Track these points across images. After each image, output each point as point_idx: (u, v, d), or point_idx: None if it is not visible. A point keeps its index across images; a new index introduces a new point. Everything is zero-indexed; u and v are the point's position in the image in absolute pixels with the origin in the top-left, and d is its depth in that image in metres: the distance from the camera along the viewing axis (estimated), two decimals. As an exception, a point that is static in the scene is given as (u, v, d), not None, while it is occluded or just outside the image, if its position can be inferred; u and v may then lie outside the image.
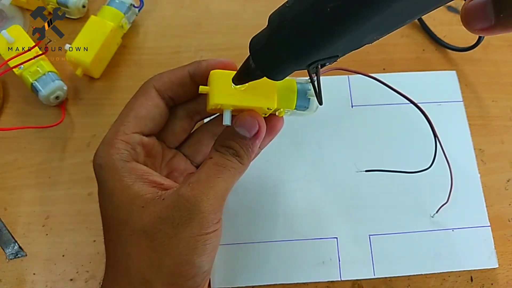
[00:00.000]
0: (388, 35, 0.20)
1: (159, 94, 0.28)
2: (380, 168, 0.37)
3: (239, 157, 0.26)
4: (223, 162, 0.26)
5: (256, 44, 0.22)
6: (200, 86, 0.26)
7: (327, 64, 0.21)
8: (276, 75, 0.22)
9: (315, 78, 0.22)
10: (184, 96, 0.29)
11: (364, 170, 0.36)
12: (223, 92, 0.25)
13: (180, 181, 0.30)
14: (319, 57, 0.20)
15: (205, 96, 0.27)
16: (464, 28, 0.21)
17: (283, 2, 0.20)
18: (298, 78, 0.28)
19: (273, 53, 0.21)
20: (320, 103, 0.23)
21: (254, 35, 0.22)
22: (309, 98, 0.27)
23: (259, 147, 0.29)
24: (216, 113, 0.31)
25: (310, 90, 0.28)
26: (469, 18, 0.21)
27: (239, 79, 0.24)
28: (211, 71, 0.26)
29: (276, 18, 0.20)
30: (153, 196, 0.25)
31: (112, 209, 0.26)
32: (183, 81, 0.28)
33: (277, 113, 0.28)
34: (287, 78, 0.27)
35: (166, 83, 0.28)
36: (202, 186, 0.25)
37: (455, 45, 0.44)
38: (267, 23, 0.21)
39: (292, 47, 0.20)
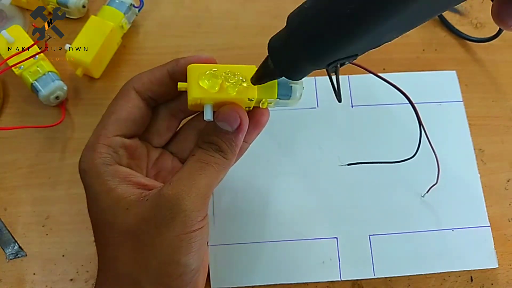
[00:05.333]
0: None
1: (139, 95, 0.28)
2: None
3: (222, 152, 0.26)
4: (205, 158, 0.26)
5: (275, 45, 0.22)
6: (179, 83, 0.26)
7: (346, 63, 0.21)
8: (294, 75, 0.22)
9: (334, 77, 0.22)
10: (165, 95, 0.29)
11: (346, 164, 0.37)
12: (201, 84, 0.25)
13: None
14: (338, 56, 0.20)
15: (186, 94, 0.27)
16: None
17: (302, 3, 0.20)
18: None
19: (292, 54, 0.21)
20: (339, 100, 0.23)
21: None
22: (291, 86, 0.27)
23: (246, 142, 0.29)
24: (198, 111, 0.30)
25: None
26: (502, 15, 0.20)
27: (258, 80, 0.24)
28: (188, 66, 0.26)
29: (295, 19, 0.20)
30: (137, 197, 0.25)
31: (98, 212, 0.26)
32: (163, 81, 0.28)
33: (260, 105, 0.28)
34: None
35: (146, 84, 0.28)
36: (183, 184, 0.25)
37: (455, 46, 0.44)
38: (285, 23, 0.21)
39: (311, 47, 0.20)
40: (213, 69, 0.25)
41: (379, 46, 0.20)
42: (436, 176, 0.35)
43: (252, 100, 0.26)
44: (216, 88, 0.25)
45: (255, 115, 0.28)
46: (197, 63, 0.26)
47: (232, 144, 0.26)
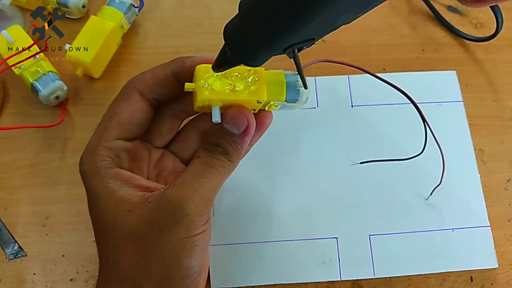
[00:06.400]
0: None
1: (143, 96, 0.27)
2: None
3: (228, 154, 0.26)
4: (210, 161, 0.25)
5: (229, 31, 0.21)
6: (186, 84, 0.25)
7: (304, 47, 0.20)
8: (251, 61, 0.22)
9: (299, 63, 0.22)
10: (169, 95, 0.28)
11: (359, 162, 0.37)
12: (211, 85, 0.25)
13: (171, 181, 0.30)
14: (292, 41, 0.19)
15: (190, 94, 0.27)
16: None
17: None
18: (286, 71, 0.27)
19: (245, 39, 0.20)
20: (305, 87, 0.23)
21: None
22: (299, 90, 0.27)
23: (249, 144, 0.29)
24: (203, 112, 0.30)
25: (298, 81, 0.27)
26: None
27: (217, 67, 0.24)
28: (197, 67, 0.25)
29: (245, 4, 0.20)
30: (139, 199, 0.25)
31: (99, 214, 0.26)
32: (167, 81, 0.27)
33: (266, 108, 0.28)
34: (275, 71, 0.26)
35: (149, 85, 0.27)
36: (187, 187, 0.24)
37: (455, 46, 0.44)
38: (237, 9, 0.20)
39: (262, 32, 0.19)
40: None
41: (335, 29, 0.20)
42: (440, 177, 0.35)
43: (261, 103, 0.26)
44: (227, 90, 0.25)
45: (259, 118, 0.28)
46: (203, 64, 0.26)
47: (238, 146, 0.26)
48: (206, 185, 0.25)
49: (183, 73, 0.27)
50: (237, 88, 0.25)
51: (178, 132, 0.31)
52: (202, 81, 0.25)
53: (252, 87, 0.26)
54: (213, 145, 0.26)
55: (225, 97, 0.25)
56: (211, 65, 0.25)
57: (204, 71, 0.25)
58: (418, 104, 0.29)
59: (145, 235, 0.24)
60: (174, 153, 0.31)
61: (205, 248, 0.25)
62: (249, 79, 0.26)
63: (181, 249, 0.24)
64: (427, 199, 0.37)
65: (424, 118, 0.30)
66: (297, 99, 0.27)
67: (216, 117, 0.25)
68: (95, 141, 0.26)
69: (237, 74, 0.26)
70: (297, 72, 0.27)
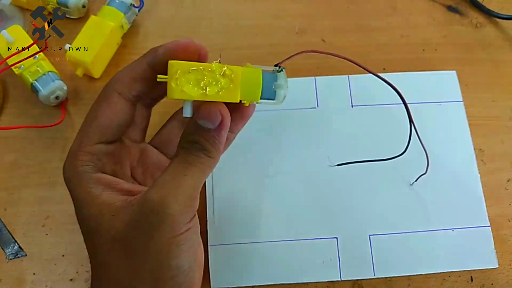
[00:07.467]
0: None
1: (122, 96, 0.27)
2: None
3: (206, 150, 0.25)
4: (189, 158, 0.25)
5: None
6: (158, 76, 0.25)
7: None
8: None
9: None
10: (150, 88, 0.28)
11: (336, 164, 0.37)
12: (182, 86, 0.24)
13: (158, 175, 0.28)
14: None
15: (161, 84, 0.25)
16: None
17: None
18: (264, 67, 0.26)
19: None
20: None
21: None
22: (275, 91, 0.26)
23: (232, 132, 0.28)
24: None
25: (276, 82, 0.26)
26: None
27: None
28: (169, 62, 0.24)
29: None
30: (122, 203, 0.25)
31: (85, 219, 0.25)
32: (144, 76, 0.27)
33: (242, 102, 0.26)
34: (252, 68, 0.25)
35: (128, 84, 0.27)
36: (168, 186, 0.24)
37: (456, 46, 0.44)
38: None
39: None
40: (193, 68, 0.24)
41: None
42: (428, 169, 0.35)
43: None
44: (199, 92, 0.24)
45: (240, 107, 0.27)
46: (177, 49, 0.25)
47: (215, 141, 0.25)
48: (188, 183, 0.24)
49: (158, 62, 0.26)
50: (209, 89, 0.24)
51: (162, 126, 0.31)
52: (173, 80, 0.24)
53: (224, 90, 0.25)
54: (190, 142, 0.25)
55: (196, 98, 0.24)
56: (183, 61, 0.24)
57: (176, 68, 0.24)
58: (407, 103, 0.28)
59: (131, 239, 0.24)
60: (157, 148, 0.31)
61: (193, 244, 0.25)
62: (223, 81, 0.25)
63: (167, 250, 0.24)
64: (411, 185, 0.37)
65: (409, 113, 0.29)
66: (273, 99, 0.26)
67: (187, 113, 0.25)
68: (76, 147, 0.26)
69: (212, 80, 0.24)
70: (278, 69, 0.26)
